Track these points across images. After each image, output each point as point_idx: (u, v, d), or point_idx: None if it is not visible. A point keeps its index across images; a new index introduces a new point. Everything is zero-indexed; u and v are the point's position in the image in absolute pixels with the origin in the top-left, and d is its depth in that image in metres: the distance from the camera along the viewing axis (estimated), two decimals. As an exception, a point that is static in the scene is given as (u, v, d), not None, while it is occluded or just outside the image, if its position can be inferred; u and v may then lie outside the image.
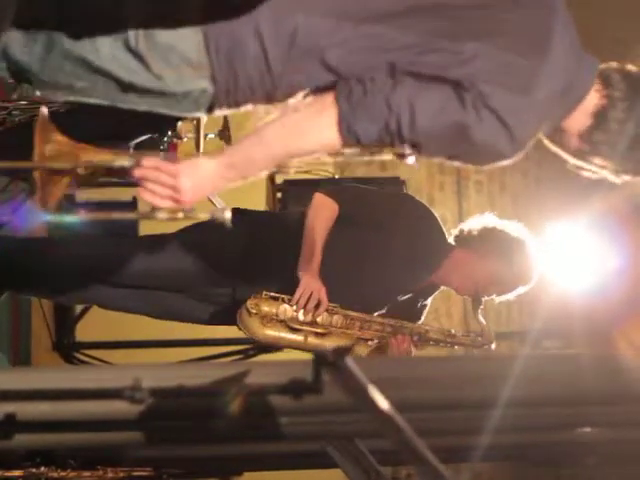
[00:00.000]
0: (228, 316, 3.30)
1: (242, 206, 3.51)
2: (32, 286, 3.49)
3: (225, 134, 4.44)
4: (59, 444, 2.10)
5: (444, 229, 3.43)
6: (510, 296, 3.40)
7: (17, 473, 2.99)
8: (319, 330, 3.24)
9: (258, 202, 5.13)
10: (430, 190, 7.43)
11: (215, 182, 2.03)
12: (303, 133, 2.01)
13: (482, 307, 3.35)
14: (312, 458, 2.41)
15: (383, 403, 1.50)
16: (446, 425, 1.95)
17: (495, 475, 6.68)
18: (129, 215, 2.10)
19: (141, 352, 5.79)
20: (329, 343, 3.25)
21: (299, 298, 3.19)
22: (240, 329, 3.27)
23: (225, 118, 4.28)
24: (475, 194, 7.48)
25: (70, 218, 2.21)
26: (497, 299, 3.45)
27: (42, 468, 3.02)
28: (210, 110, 2.11)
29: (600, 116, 2.08)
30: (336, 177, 5.46)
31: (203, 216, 2.03)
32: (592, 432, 2.12)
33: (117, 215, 2.07)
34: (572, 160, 2.16)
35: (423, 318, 3.47)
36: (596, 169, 2.15)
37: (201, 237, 3.35)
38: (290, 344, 3.33)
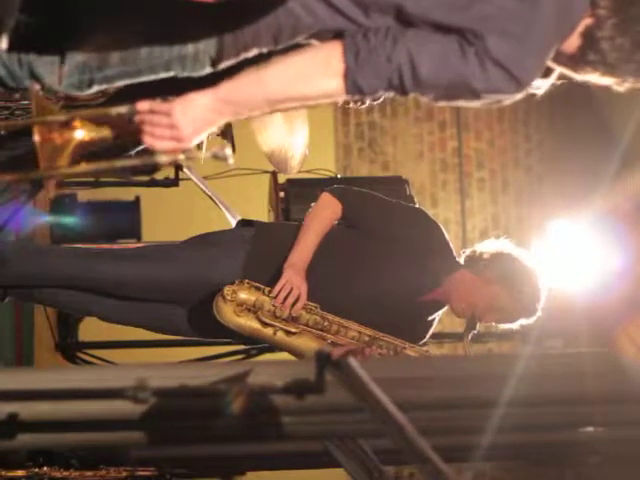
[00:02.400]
0: (224, 330, 3.27)
1: (245, 205, 3.51)
2: (32, 295, 3.48)
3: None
4: (62, 444, 2.11)
5: (451, 246, 3.36)
6: (512, 326, 3.32)
7: (20, 473, 3.00)
8: (291, 329, 3.18)
9: (261, 201, 5.13)
10: (432, 189, 7.43)
11: (209, 117, 2.03)
12: (307, 80, 2.04)
13: (475, 332, 3.28)
14: (315, 458, 2.41)
15: (386, 402, 1.50)
16: (449, 424, 1.95)
17: (498, 475, 6.68)
18: (132, 162, 2.08)
19: (144, 352, 5.79)
20: (298, 342, 3.20)
21: (279, 291, 3.15)
22: (215, 315, 3.21)
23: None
24: (478, 192, 7.48)
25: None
26: (499, 326, 3.39)
27: (45, 468, 3.03)
28: (216, 63, 2.14)
29: (588, 36, 2.08)
30: (338, 176, 5.46)
31: (203, 155, 2.04)
32: (595, 432, 2.12)
33: (120, 163, 2.05)
34: (575, 76, 2.18)
35: (427, 336, 3.39)
36: (599, 81, 2.14)
37: (202, 250, 3.33)
38: (258, 336, 3.25)
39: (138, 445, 1.92)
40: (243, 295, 3.18)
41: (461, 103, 2.13)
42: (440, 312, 3.39)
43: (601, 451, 2.21)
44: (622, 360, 1.97)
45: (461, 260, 3.37)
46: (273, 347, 3.37)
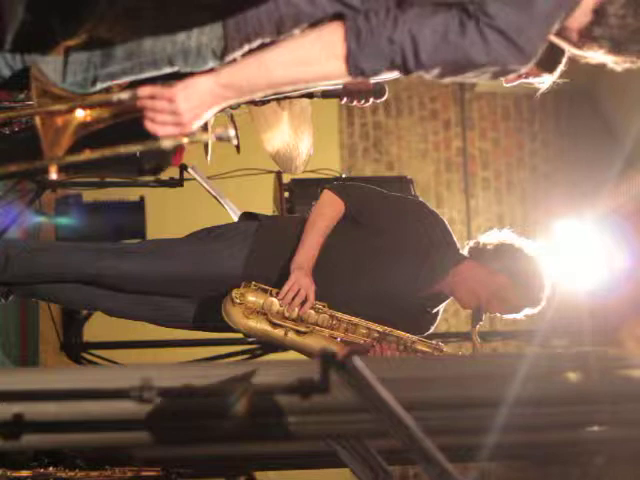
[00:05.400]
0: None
1: (249, 205, 3.50)
2: (36, 292, 3.49)
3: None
4: (67, 444, 2.11)
5: (454, 238, 3.37)
6: (517, 316, 3.32)
7: (25, 473, 3.00)
8: (301, 328, 3.18)
9: (265, 201, 5.13)
10: (437, 188, 7.43)
11: (211, 101, 2.04)
12: (309, 63, 2.04)
13: (481, 323, 3.27)
14: (320, 458, 2.41)
15: (391, 402, 1.49)
16: (454, 424, 1.95)
17: (503, 474, 6.68)
18: (135, 147, 2.07)
19: (149, 352, 5.80)
20: (309, 342, 3.20)
21: (286, 293, 3.15)
22: (223, 318, 3.21)
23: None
24: (482, 191, 7.48)
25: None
26: (503, 317, 3.40)
27: (50, 468, 3.03)
28: (223, 55, 2.14)
29: (600, 12, 2.08)
30: (343, 176, 5.46)
31: (206, 137, 2.04)
32: (600, 431, 2.11)
33: (123, 149, 2.04)
34: (576, 52, 2.18)
35: (432, 328, 3.39)
36: (598, 58, 2.15)
37: (205, 244, 3.33)
38: (269, 338, 3.25)
39: (143, 445, 1.92)
40: (251, 297, 3.18)
41: (469, 77, 2.12)
42: (444, 304, 3.40)
43: (606, 450, 2.20)
44: (628, 359, 1.97)
45: (465, 251, 3.38)
46: (285, 348, 3.36)
